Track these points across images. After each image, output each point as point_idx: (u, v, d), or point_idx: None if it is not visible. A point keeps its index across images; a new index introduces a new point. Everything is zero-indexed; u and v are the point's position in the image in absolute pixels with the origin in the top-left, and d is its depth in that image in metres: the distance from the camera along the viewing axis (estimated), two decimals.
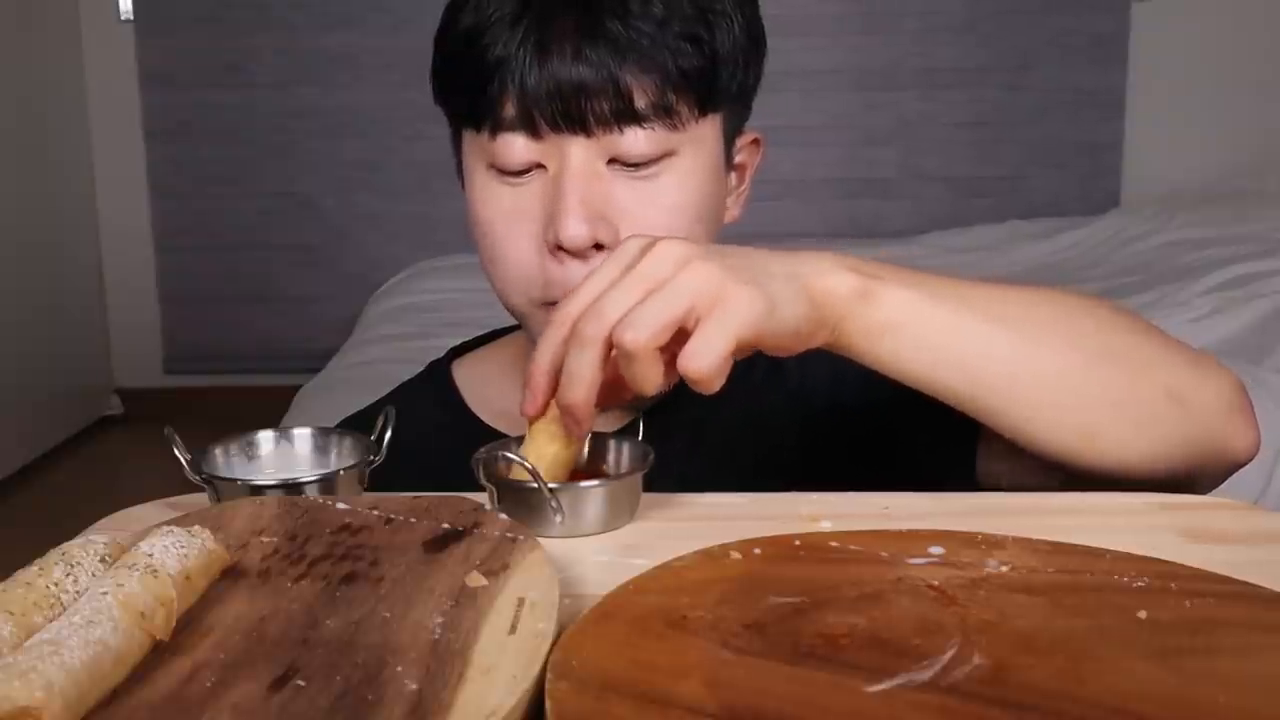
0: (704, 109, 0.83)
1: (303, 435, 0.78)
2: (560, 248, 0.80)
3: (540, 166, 0.82)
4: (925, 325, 0.71)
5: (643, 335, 0.62)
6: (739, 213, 0.92)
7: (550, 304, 0.82)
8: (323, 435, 0.78)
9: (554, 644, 0.51)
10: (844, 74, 3.73)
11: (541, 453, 0.68)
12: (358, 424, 0.86)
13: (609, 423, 0.89)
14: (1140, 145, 3.72)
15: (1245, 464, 0.77)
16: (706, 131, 0.84)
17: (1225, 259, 2.75)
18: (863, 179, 3.80)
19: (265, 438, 0.77)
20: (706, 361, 0.63)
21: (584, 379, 0.64)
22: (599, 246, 0.80)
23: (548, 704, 0.47)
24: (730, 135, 0.88)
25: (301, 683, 0.48)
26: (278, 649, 0.51)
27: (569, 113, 0.79)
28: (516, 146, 0.81)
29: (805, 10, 3.67)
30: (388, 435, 0.76)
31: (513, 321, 0.96)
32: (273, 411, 2.02)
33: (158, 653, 0.51)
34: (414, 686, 0.47)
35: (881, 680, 0.50)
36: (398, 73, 3.61)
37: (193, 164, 3.78)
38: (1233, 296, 2.52)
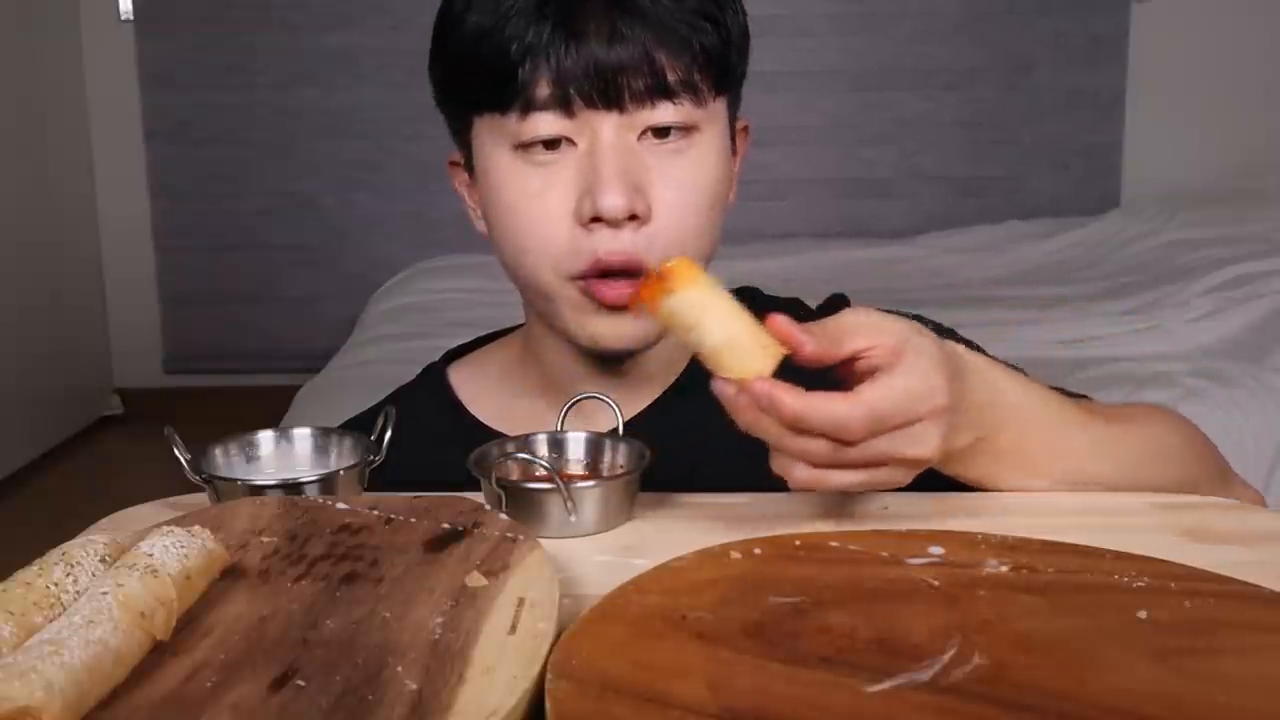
0: (718, 89, 0.85)
1: (303, 435, 0.78)
2: (595, 219, 0.81)
3: (569, 142, 0.82)
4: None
5: (832, 487, 0.66)
6: (734, 198, 0.93)
7: (579, 276, 0.82)
8: (323, 435, 0.78)
9: (554, 644, 0.51)
10: (842, 74, 3.73)
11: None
12: (357, 426, 0.85)
13: (636, 403, 0.89)
14: (1140, 145, 3.72)
15: None
16: (720, 112, 0.86)
17: (1225, 259, 2.74)
18: (861, 179, 3.79)
19: (265, 438, 0.77)
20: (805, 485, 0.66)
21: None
22: (633, 217, 0.81)
23: (548, 704, 0.47)
24: (733, 120, 0.89)
25: (301, 683, 0.48)
26: (278, 649, 0.51)
27: (606, 91, 0.80)
28: (547, 122, 0.82)
29: (803, 10, 3.66)
30: (388, 435, 0.76)
31: (513, 321, 0.96)
32: (273, 411, 2.02)
33: (158, 653, 0.51)
34: (414, 686, 0.47)
35: (881, 680, 0.50)
36: (398, 73, 3.61)
37: (193, 164, 3.77)
38: (1233, 296, 2.51)
